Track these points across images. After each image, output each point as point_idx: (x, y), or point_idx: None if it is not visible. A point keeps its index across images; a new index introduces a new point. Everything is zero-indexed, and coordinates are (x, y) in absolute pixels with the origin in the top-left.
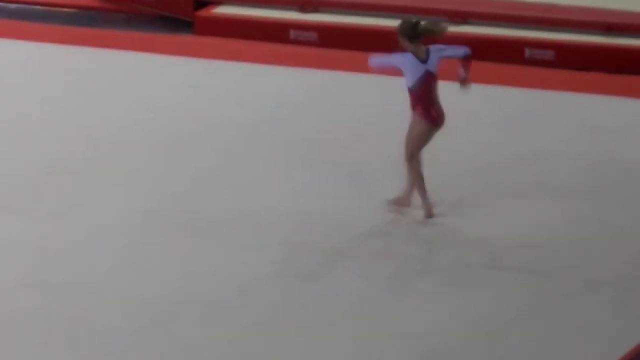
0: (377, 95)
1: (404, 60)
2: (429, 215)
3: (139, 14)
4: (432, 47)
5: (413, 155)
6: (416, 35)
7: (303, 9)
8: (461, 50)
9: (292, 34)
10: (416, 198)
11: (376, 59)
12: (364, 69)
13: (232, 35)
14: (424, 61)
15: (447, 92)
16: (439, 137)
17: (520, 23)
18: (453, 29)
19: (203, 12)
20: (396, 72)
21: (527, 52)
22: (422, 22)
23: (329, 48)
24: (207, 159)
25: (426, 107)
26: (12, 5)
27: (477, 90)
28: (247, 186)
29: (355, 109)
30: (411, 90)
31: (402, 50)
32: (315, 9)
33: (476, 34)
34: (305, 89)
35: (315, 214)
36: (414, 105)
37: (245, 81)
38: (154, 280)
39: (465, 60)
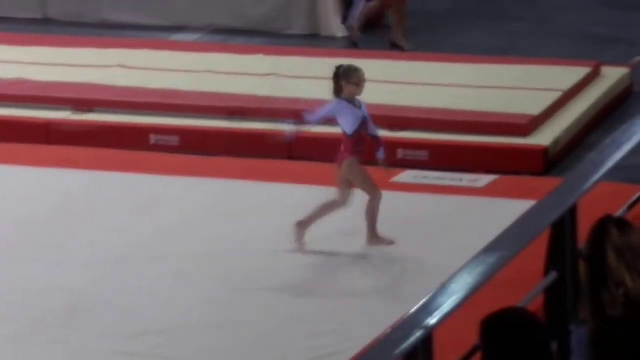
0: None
1: (339, 107)
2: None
3: None
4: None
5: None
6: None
7: None
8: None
9: None
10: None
11: (312, 115)
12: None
13: None
14: (358, 107)
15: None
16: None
17: (144, 110)
18: (78, 117)
19: None
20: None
21: (153, 138)
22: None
23: None
24: None
25: (360, 150)
26: None
27: (105, 176)
28: None
29: None
30: (350, 137)
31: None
32: None
33: (101, 121)
34: None
35: None
36: (352, 151)
37: None
38: None
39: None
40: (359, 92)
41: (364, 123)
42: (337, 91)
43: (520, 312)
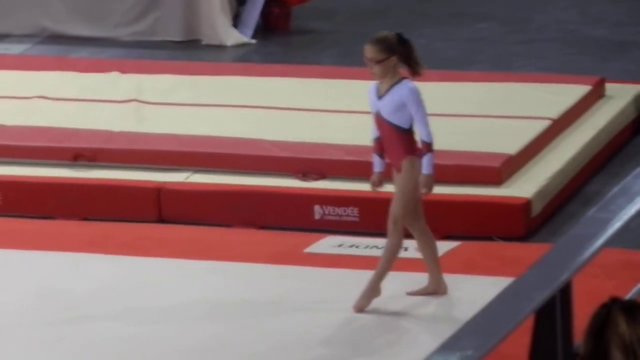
0: None
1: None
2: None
3: None
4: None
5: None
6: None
7: None
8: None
9: None
10: None
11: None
12: None
13: None
14: (379, 96)
15: None
16: None
17: None
18: None
19: None
20: None
21: None
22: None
23: None
24: None
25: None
26: None
27: None
28: None
29: None
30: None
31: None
32: None
33: None
34: None
35: None
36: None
37: None
38: None
39: (427, 147)
40: (374, 74)
41: (377, 117)
42: None
43: None
